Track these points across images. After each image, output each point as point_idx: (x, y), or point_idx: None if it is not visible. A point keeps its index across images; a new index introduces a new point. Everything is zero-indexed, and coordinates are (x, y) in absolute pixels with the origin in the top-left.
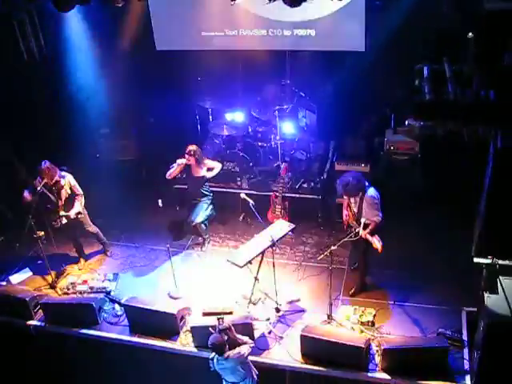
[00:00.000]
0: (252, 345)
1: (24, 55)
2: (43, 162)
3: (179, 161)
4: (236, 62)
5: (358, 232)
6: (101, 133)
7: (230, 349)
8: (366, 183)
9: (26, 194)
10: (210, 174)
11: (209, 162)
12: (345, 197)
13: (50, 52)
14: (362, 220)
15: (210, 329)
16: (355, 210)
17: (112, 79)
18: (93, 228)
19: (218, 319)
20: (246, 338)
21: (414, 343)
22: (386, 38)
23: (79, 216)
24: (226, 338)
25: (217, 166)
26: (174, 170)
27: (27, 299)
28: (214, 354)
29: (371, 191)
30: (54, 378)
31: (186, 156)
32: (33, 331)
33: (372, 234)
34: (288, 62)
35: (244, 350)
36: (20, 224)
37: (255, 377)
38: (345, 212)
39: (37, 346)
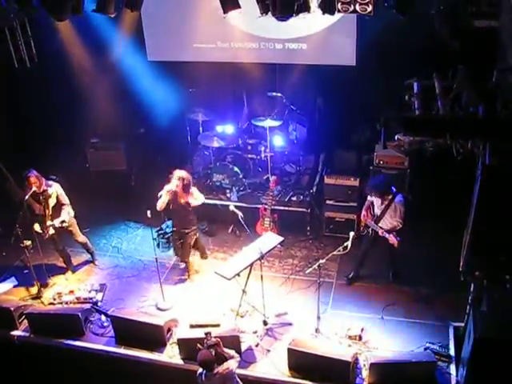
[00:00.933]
0: (239, 359)
1: (14, 63)
2: (30, 171)
3: (167, 187)
4: (227, 74)
5: (375, 231)
6: (90, 143)
7: (217, 364)
8: (393, 189)
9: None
10: (195, 202)
11: (195, 191)
12: (374, 197)
13: (41, 60)
14: (386, 220)
15: (198, 345)
16: (378, 212)
17: (102, 89)
18: (82, 238)
19: (206, 334)
20: (232, 352)
21: (402, 358)
22: (377, 53)
23: (64, 225)
24: (213, 353)
25: (200, 198)
26: (163, 200)
27: (12, 309)
28: (202, 369)
29: (400, 198)
30: None
31: (175, 182)
32: (17, 342)
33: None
34: (278, 75)
35: (232, 365)
36: (7, 233)
37: None
38: (363, 213)
39: (21, 356)
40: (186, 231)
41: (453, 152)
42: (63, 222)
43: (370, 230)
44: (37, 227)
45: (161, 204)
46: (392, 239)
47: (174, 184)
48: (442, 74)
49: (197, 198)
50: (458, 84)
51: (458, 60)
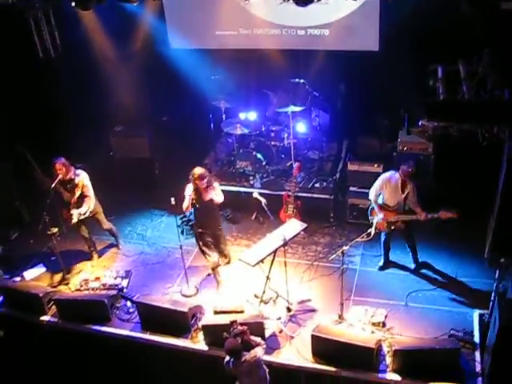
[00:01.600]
0: (265, 346)
1: (39, 52)
2: (58, 159)
3: (187, 192)
4: (250, 61)
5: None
6: (114, 131)
7: (245, 351)
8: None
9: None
10: (217, 198)
11: (217, 187)
12: (387, 189)
13: (65, 49)
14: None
15: (225, 333)
16: (395, 203)
17: (125, 77)
18: (107, 225)
19: (232, 322)
20: (258, 340)
21: (426, 345)
22: (401, 38)
23: (81, 217)
24: (240, 340)
25: (221, 195)
26: (188, 203)
27: (41, 295)
28: (229, 357)
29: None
30: (66, 373)
31: (197, 182)
32: (46, 326)
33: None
34: (301, 61)
35: (259, 352)
36: (35, 220)
37: (268, 377)
38: (380, 216)
39: (50, 340)
40: (215, 230)
41: (478, 137)
42: (81, 214)
43: (400, 223)
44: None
45: (186, 206)
46: (446, 214)
47: (194, 184)
48: (467, 58)
49: (218, 194)
50: (483, 68)
51: (483, 44)
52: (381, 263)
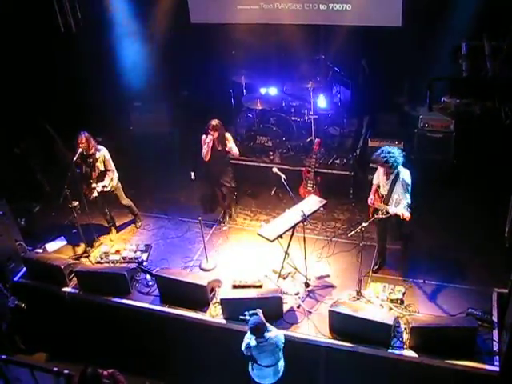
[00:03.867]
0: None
1: (61, 27)
2: (82, 132)
3: (206, 140)
4: (270, 36)
5: (387, 211)
6: (134, 105)
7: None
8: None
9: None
10: (232, 149)
11: (230, 139)
12: (380, 175)
13: (87, 25)
14: (395, 197)
15: (241, 317)
16: (385, 192)
17: (146, 52)
18: (126, 201)
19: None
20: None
21: (443, 322)
22: (423, 13)
23: (105, 189)
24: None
25: (235, 147)
26: (207, 151)
27: (62, 267)
28: (250, 338)
29: (405, 174)
30: (86, 344)
31: (211, 132)
32: (67, 298)
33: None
34: (322, 37)
35: (279, 333)
36: (56, 194)
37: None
38: (371, 197)
39: (71, 311)
40: (225, 183)
41: (501, 115)
42: (104, 186)
43: (380, 212)
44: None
45: (205, 153)
46: (403, 214)
47: (210, 136)
48: (492, 33)
49: (232, 146)
50: (508, 44)
51: (509, 19)
52: (374, 267)
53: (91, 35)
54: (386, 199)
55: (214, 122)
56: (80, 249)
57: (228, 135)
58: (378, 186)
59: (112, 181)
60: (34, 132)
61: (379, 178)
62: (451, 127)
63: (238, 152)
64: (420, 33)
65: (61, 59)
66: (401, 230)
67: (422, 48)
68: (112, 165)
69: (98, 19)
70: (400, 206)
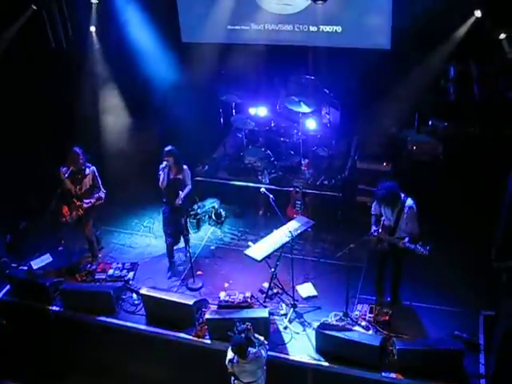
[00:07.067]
0: (267, 346)
1: (52, 43)
2: (75, 148)
3: (161, 166)
4: (260, 57)
5: (395, 244)
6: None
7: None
8: (402, 194)
9: (63, 170)
10: (185, 179)
11: (185, 168)
12: (382, 209)
13: (77, 40)
14: (402, 226)
15: (229, 333)
16: (391, 223)
17: (135, 71)
18: (91, 234)
19: (235, 321)
20: (261, 338)
21: (430, 345)
22: (412, 37)
23: (89, 205)
24: (244, 338)
25: (189, 183)
26: (163, 177)
27: (47, 284)
28: (233, 355)
29: (411, 201)
30: (70, 361)
31: (165, 158)
32: (52, 315)
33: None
34: (312, 58)
35: (263, 352)
36: (43, 210)
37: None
38: (375, 228)
39: (56, 329)
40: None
41: (489, 138)
42: (90, 203)
43: (386, 244)
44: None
45: (161, 180)
46: (419, 250)
47: (165, 163)
48: (479, 58)
49: (185, 176)
50: (496, 69)
51: (495, 45)
52: (376, 303)
53: (81, 50)
54: (391, 230)
55: (169, 147)
56: (66, 266)
57: (185, 166)
58: (379, 216)
59: (100, 199)
60: (21, 148)
61: (381, 209)
62: (439, 150)
63: (188, 183)
64: (409, 56)
65: (50, 74)
66: (401, 262)
67: (411, 71)
68: (100, 183)
69: (89, 35)
70: (417, 245)
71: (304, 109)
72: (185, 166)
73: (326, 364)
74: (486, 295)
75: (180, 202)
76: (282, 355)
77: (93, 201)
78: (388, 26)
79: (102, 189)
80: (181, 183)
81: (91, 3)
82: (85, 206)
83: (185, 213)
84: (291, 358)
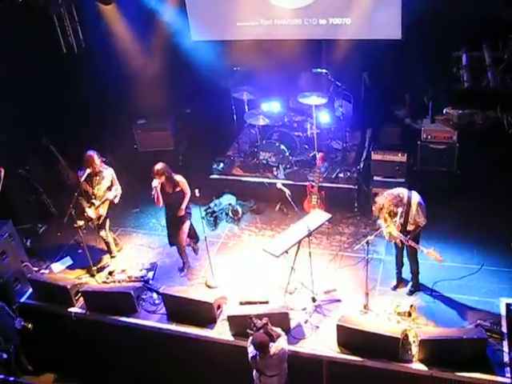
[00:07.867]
0: (286, 337)
1: (63, 48)
2: (90, 151)
3: (153, 184)
4: (272, 52)
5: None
6: (137, 124)
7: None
8: (405, 191)
9: (81, 173)
10: (184, 189)
11: (180, 180)
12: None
13: (88, 45)
14: (411, 221)
15: (248, 330)
16: (401, 220)
17: (148, 70)
18: (107, 234)
19: (250, 318)
20: (279, 330)
21: (452, 334)
22: (423, 25)
23: (115, 200)
24: (263, 333)
25: (187, 191)
26: (157, 195)
27: (68, 287)
28: (255, 352)
29: (417, 196)
30: (94, 363)
31: (156, 177)
32: (74, 318)
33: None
34: (324, 51)
35: (284, 344)
36: (62, 214)
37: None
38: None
39: (78, 332)
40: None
41: (503, 125)
42: (109, 199)
43: (399, 240)
44: (89, 212)
45: (156, 199)
46: (435, 255)
47: (156, 181)
48: (492, 44)
49: (183, 186)
50: (509, 54)
51: (509, 29)
52: (394, 282)
53: (93, 54)
54: (402, 229)
55: (158, 166)
56: (86, 268)
57: (179, 178)
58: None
59: (117, 196)
60: (38, 153)
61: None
62: (454, 138)
63: (186, 192)
64: (420, 45)
65: (63, 79)
66: (416, 252)
67: (424, 59)
68: (118, 183)
69: (100, 40)
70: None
71: (316, 101)
72: (179, 177)
73: (348, 357)
74: (508, 283)
75: (183, 213)
76: (303, 350)
77: (110, 198)
78: (398, 16)
79: (119, 188)
80: (180, 195)
81: (101, 8)
82: (101, 208)
83: (190, 217)
84: (312, 352)
